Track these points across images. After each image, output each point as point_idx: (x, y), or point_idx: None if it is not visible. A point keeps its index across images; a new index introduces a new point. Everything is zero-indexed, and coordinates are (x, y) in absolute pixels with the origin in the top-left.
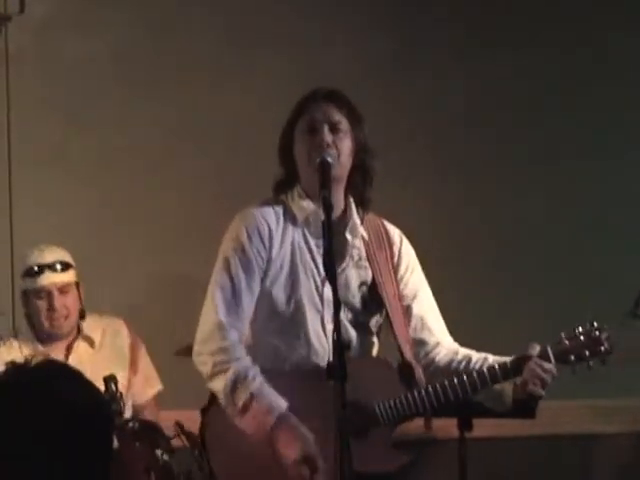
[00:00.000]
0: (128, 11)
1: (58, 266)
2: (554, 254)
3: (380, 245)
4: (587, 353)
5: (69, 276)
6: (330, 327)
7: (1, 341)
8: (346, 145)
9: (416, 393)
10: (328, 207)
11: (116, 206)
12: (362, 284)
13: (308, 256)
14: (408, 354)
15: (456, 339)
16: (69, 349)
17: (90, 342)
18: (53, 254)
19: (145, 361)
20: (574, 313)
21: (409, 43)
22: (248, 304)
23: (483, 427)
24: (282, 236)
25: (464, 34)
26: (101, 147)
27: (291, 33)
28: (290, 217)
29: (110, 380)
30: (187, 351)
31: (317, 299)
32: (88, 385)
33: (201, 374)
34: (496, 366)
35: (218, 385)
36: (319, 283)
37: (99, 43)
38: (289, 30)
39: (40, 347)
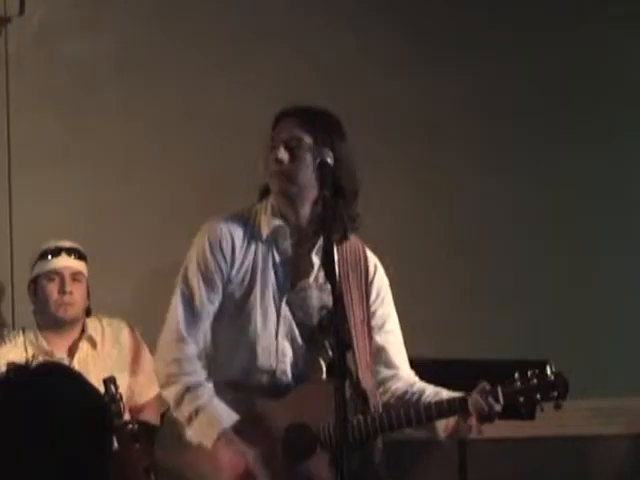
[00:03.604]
0: (128, 12)
1: (75, 252)
2: (546, 255)
3: (356, 267)
4: (538, 396)
5: (83, 266)
6: (286, 344)
7: (8, 335)
8: (304, 163)
9: (361, 419)
10: (327, 208)
11: (116, 205)
12: (323, 307)
13: (271, 272)
14: (366, 381)
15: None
16: (73, 349)
17: (93, 343)
18: (71, 243)
19: (147, 363)
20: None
21: (409, 42)
22: (207, 317)
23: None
24: (245, 251)
25: (464, 34)
26: (101, 147)
27: (292, 31)
28: (257, 231)
29: (109, 382)
30: None
31: (273, 315)
32: (88, 387)
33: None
34: (444, 401)
35: (169, 395)
36: (277, 300)
37: (98, 44)
38: (290, 27)
39: (45, 345)
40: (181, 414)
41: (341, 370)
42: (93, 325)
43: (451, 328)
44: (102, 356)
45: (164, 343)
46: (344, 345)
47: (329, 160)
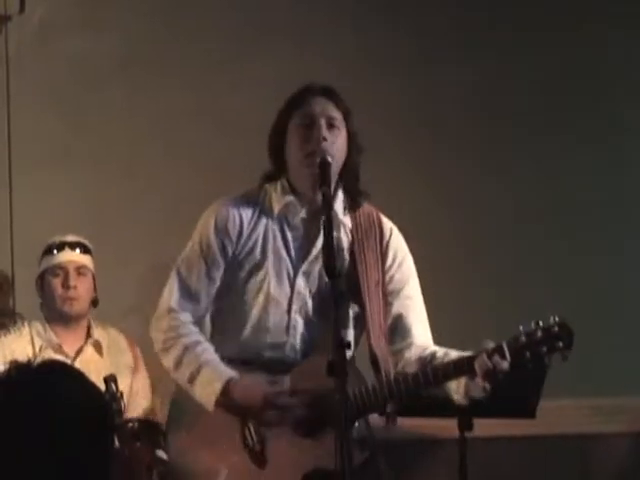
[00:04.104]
0: (131, 9)
1: (79, 247)
2: (546, 255)
3: (370, 231)
4: (544, 349)
5: (88, 260)
6: (298, 319)
7: (13, 327)
8: (341, 141)
9: (370, 387)
10: (328, 204)
11: (120, 201)
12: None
13: (282, 247)
14: (378, 346)
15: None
16: (79, 350)
17: (99, 349)
18: (76, 237)
19: (143, 376)
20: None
21: (409, 42)
22: (205, 294)
23: (483, 427)
24: (254, 228)
25: (464, 34)
26: (103, 144)
27: (295, 27)
28: (267, 208)
29: (110, 380)
30: None
31: (287, 289)
32: (89, 386)
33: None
34: (451, 362)
35: (168, 360)
36: (291, 274)
37: (100, 42)
38: (293, 24)
39: (54, 338)
40: (182, 376)
41: (341, 370)
42: (99, 332)
43: (450, 326)
44: (106, 363)
45: (157, 316)
46: (344, 344)
47: (329, 159)
